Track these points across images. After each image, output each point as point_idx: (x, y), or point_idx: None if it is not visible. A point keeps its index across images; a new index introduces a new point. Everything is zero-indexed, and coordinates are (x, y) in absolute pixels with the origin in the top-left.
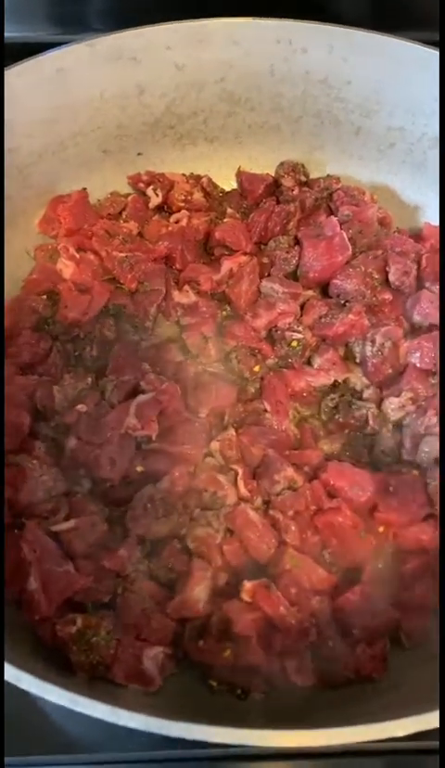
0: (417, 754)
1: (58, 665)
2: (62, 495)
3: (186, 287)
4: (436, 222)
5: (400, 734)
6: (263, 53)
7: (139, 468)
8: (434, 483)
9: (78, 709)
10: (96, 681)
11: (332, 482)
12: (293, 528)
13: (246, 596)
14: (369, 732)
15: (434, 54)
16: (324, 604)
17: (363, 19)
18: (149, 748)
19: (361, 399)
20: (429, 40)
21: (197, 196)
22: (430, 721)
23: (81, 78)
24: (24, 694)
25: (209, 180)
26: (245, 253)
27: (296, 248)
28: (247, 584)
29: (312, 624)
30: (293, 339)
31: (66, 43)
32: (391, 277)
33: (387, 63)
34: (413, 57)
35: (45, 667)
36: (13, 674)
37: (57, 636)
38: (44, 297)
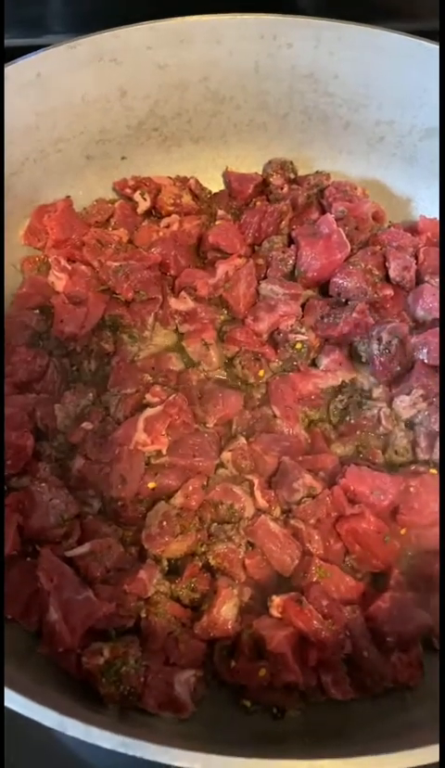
0: None
1: (86, 698)
2: (74, 518)
3: (183, 293)
4: (429, 214)
5: None
6: (247, 49)
7: (151, 485)
8: None
9: (130, 752)
10: (127, 711)
11: (352, 488)
12: (316, 537)
13: (276, 612)
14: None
15: (421, 44)
16: (356, 614)
17: (339, 12)
18: None
19: (370, 399)
20: (415, 30)
21: (186, 198)
22: None
23: (61, 82)
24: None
25: (197, 182)
26: (240, 256)
27: (291, 247)
28: (277, 599)
29: (347, 636)
30: (297, 341)
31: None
32: (392, 273)
33: (374, 56)
34: (401, 48)
35: (74, 701)
36: (58, 721)
37: (84, 668)
38: (37, 311)
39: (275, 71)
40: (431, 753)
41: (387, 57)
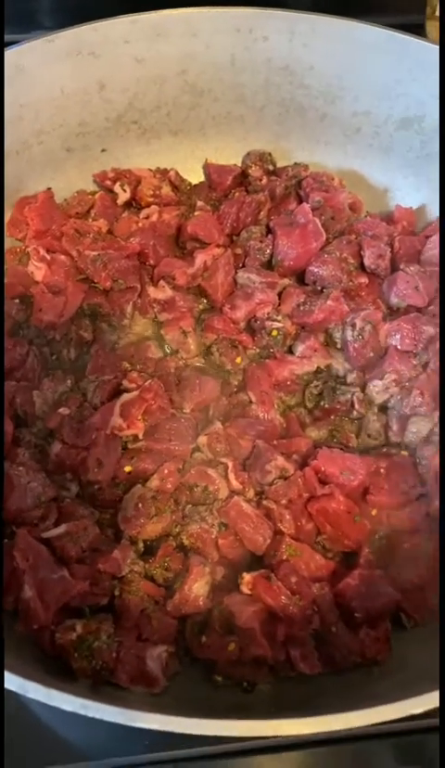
0: (424, 733)
1: (60, 672)
2: (51, 501)
3: (162, 282)
4: (405, 204)
5: (416, 711)
6: (223, 43)
7: (127, 469)
8: (424, 462)
9: (89, 714)
10: (100, 686)
11: (323, 469)
12: (287, 517)
13: (245, 589)
14: (383, 713)
15: (394, 36)
16: (324, 590)
17: (318, 6)
18: (151, 750)
19: (344, 384)
20: (389, 23)
21: (166, 190)
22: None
23: (41, 75)
24: (20, 705)
25: (177, 174)
26: (218, 245)
27: (269, 237)
28: (247, 576)
29: (315, 612)
30: (273, 329)
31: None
32: (366, 261)
33: (348, 48)
34: (374, 40)
35: (48, 675)
36: (19, 684)
37: (57, 644)
38: (17, 301)
39: (252, 64)
40: (381, 713)
41: (360, 49)
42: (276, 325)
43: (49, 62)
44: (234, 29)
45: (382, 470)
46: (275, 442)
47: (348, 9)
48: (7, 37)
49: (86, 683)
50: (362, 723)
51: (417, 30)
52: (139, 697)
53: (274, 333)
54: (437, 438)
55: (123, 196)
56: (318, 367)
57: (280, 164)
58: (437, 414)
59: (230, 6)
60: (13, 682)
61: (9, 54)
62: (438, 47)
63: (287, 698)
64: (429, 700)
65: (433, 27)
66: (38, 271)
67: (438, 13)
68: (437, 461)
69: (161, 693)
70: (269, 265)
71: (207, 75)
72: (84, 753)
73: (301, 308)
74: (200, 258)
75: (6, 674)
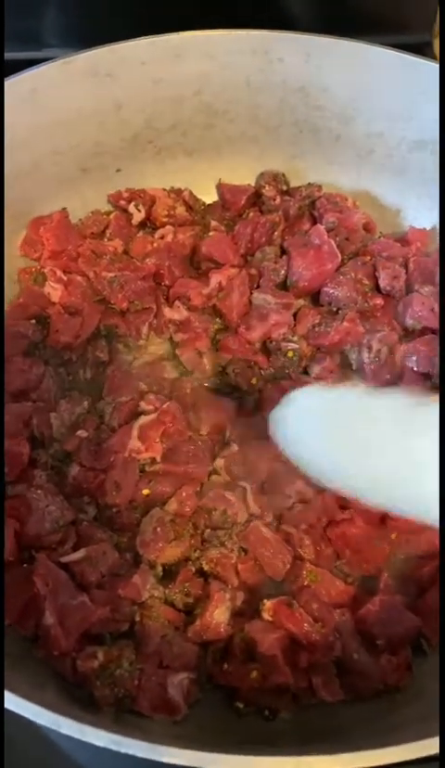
0: None
1: (81, 700)
2: (70, 524)
3: (177, 302)
4: (419, 225)
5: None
6: (239, 64)
7: (145, 492)
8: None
9: (122, 750)
10: (121, 714)
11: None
12: (307, 542)
13: (267, 615)
14: (408, 751)
15: (407, 59)
16: (346, 617)
17: (328, 26)
18: None
19: None
20: (396, 42)
21: (180, 210)
22: None
23: (56, 97)
24: (29, 722)
25: (191, 193)
26: (233, 266)
27: (283, 258)
28: (268, 603)
29: (337, 638)
30: (289, 350)
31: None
32: (381, 282)
33: (362, 70)
34: (388, 63)
35: (69, 703)
36: (52, 720)
37: (79, 672)
38: (33, 321)
39: (267, 85)
40: (413, 750)
41: (374, 72)
42: (292, 346)
43: (66, 84)
44: (250, 50)
45: None
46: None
47: (355, 28)
48: (15, 55)
49: (109, 711)
50: (394, 759)
51: (424, 48)
52: (160, 726)
53: (290, 354)
54: None
55: (138, 216)
56: None
57: (293, 184)
58: None
59: (246, 28)
60: (45, 717)
61: (25, 77)
62: None
63: (310, 727)
64: None
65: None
66: (55, 292)
67: None
68: None
69: (183, 720)
70: (284, 286)
71: (223, 96)
72: None
73: (317, 329)
74: (215, 278)
75: (38, 708)
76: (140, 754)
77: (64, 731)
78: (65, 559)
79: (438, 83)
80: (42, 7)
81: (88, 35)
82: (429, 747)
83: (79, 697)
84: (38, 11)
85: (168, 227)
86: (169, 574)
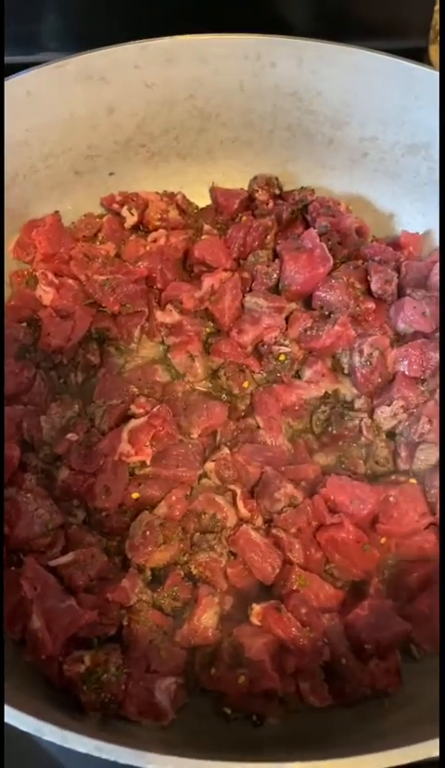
0: None
1: (68, 705)
2: (58, 528)
3: (169, 306)
4: (411, 229)
5: (434, 754)
6: (232, 69)
7: (134, 495)
8: (433, 491)
9: (104, 756)
10: (108, 718)
11: (332, 497)
12: (297, 546)
13: (255, 620)
14: (397, 756)
15: (400, 63)
16: (334, 621)
17: (323, 32)
18: None
19: (352, 409)
20: (392, 47)
21: (173, 213)
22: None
23: (50, 100)
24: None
25: (184, 197)
26: (225, 269)
27: (276, 261)
28: (257, 607)
29: (325, 643)
30: (280, 353)
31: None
32: (373, 287)
33: (355, 74)
34: (380, 67)
35: (55, 708)
36: (36, 727)
37: (66, 676)
38: (25, 324)
39: (260, 90)
40: (402, 756)
41: (367, 76)
42: (284, 349)
43: (60, 87)
44: (242, 55)
45: (391, 499)
46: (283, 469)
47: (351, 33)
48: (13, 59)
49: (95, 716)
50: (383, 764)
51: (420, 54)
52: (148, 732)
53: (282, 357)
54: None
55: (131, 219)
56: (326, 392)
57: (287, 188)
58: None
59: (238, 32)
60: (29, 724)
61: (20, 79)
62: None
63: (297, 732)
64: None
65: (436, 51)
66: (46, 295)
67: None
68: None
69: (170, 725)
70: (276, 290)
71: (215, 100)
72: None
73: (308, 333)
74: (207, 282)
75: (22, 715)
76: (123, 761)
77: (47, 737)
78: (53, 563)
79: (438, 89)
80: (41, 12)
81: (87, 39)
82: (418, 752)
83: (65, 701)
84: (37, 15)
85: (161, 231)
86: (157, 578)
